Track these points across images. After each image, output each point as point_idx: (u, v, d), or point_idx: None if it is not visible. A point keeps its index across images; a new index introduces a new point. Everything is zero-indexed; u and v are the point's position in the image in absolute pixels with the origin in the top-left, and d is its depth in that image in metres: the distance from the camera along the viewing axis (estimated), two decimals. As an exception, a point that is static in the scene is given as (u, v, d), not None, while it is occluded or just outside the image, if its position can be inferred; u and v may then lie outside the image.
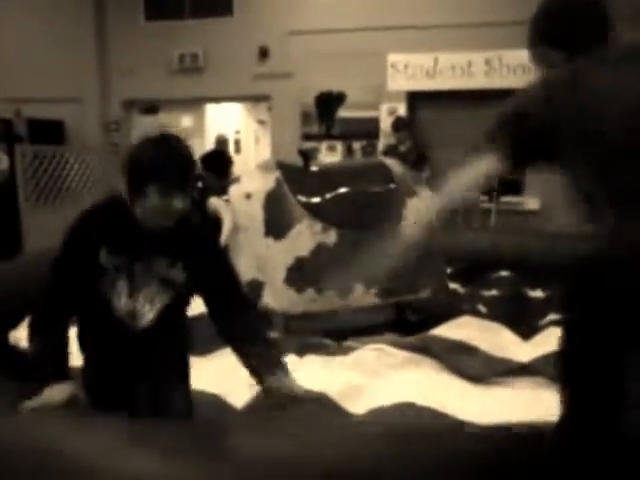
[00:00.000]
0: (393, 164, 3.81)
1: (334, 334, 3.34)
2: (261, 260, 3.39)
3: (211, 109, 8.58)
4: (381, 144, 7.23)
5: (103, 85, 8.40)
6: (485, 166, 1.68)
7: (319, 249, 3.43)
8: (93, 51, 8.27)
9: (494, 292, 4.37)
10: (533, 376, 2.72)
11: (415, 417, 2.35)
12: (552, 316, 3.71)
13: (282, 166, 3.61)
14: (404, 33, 7.30)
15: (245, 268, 3.37)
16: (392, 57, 7.37)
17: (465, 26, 7.15)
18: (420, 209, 3.60)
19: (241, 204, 3.41)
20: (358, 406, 2.49)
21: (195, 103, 8.40)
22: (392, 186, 3.59)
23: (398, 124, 6.72)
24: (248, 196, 3.42)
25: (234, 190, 3.47)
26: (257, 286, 3.39)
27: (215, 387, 2.59)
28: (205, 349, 2.94)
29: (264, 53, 7.82)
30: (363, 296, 3.49)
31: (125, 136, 8.59)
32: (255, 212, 3.40)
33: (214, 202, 3.35)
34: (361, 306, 3.52)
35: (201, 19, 8.05)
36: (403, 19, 7.28)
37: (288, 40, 7.53)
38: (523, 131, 1.62)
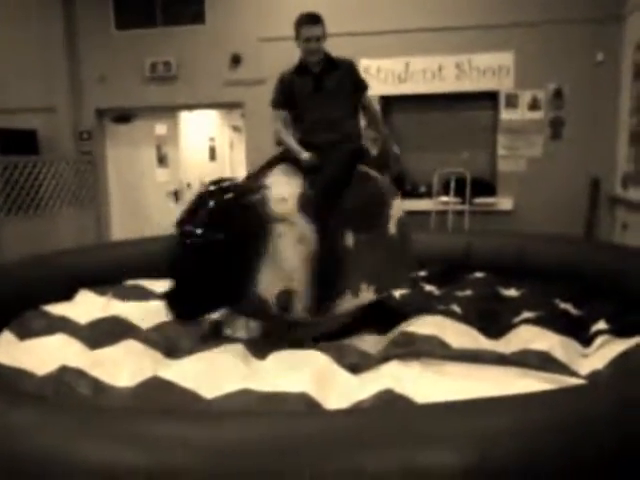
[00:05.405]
0: (370, 171, 3.83)
1: (314, 338, 3.36)
2: (292, 268, 3.26)
3: (185, 116, 8.56)
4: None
5: (75, 94, 8.35)
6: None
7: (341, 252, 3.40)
8: (64, 61, 8.20)
9: (468, 292, 4.43)
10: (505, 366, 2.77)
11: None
12: (526, 314, 3.77)
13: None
14: (375, 38, 7.39)
15: (279, 277, 3.25)
16: (364, 62, 7.44)
17: (435, 30, 7.27)
18: (399, 208, 3.68)
19: (278, 207, 3.27)
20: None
21: (168, 111, 8.38)
22: (382, 189, 3.63)
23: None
24: (284, 200, 3.30)
25: (270, 195, 3.31)
26: (289, 295, 3.28)
27: (189, 382, 2.73)
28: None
29: (236, 60, 7.85)
30: (367, 293, 3.48)
31: (98, 145, 8.56)
32: (292, 216, 3.28)
33: None
34: (364, 303, 3.51)
35: (173, 27, 8.05)
36: (374, 25, 7.37)
37: (260, 47, 7.56)
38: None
